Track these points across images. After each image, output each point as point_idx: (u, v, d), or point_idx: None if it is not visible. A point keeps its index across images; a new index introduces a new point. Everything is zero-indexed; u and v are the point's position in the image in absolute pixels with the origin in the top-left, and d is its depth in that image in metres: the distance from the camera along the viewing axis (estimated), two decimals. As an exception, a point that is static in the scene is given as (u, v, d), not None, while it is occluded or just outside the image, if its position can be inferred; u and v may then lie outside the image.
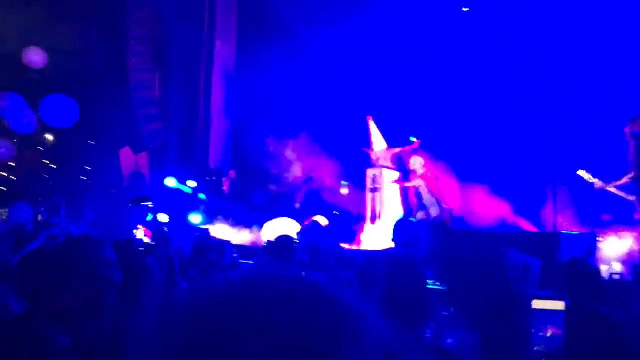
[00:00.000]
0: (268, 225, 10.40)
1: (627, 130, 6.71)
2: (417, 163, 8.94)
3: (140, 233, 9.86)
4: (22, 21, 12.41)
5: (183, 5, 12.94)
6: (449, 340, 4.11)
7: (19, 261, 2.84)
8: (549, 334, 3.63)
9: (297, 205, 10.80)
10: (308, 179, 11.16)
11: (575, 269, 3.42)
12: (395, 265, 1.76)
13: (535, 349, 3.47)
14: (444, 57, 9.44)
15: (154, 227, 8.59)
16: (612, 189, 6.73)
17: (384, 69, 10.36)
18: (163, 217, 9.19)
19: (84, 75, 12.92)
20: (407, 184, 9.14)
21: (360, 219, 9.76)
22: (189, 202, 11.09)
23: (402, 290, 1.72)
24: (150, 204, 10.14)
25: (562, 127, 8.03)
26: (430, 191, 8.56)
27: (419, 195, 8.92)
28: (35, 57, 12.32)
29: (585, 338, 2.93)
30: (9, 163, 14.24)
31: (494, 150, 8.74)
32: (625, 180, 6.67)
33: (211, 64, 13.19)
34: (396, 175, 9.48)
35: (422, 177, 8.81)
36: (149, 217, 9.92)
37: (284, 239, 4.71)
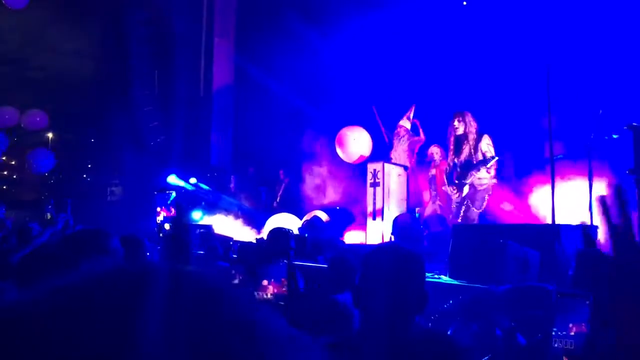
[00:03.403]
0: (270, 221, 10.45)
1: None
2: (435, 153, 9.17)
3: (160, 217, 10.36)
4: (24, 22, 12.45)
5: (181, 2, 12.95)
6: (450, 331, 4.15)
7: (22, 258, 2.87)
8: (572, 333, 3.55)
9: (276, 203, 10.93)
10: (285, 174, 11.32)
11: (589, 261, 3.38)
12: (397, 257, 1.78)
13: (556, 345, 3.42)
14: (448, 50, 9.41)
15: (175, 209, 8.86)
16: None
17: (385, 62, 10.37)
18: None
19: (84, 74, 12.95)
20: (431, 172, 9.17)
21: (361, 214, 9.80)
22: (191, 199, 11.15)
23: (403, 284, 1.74)
24: (174, 193, 10.68)
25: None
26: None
27: (434, 184, 9.14)
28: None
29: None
30: (12, 162, 14.29)
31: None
32: None
33: (211, 60, 13.21)
34: (400, 170, 9.52)
35: (439, 167, 8.96)
36: (172, 198, 10.37)
37: (277, 231, 4.77)
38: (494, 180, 7.25)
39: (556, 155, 6.55)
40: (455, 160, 7.26)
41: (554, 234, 5.44)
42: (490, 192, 7.29)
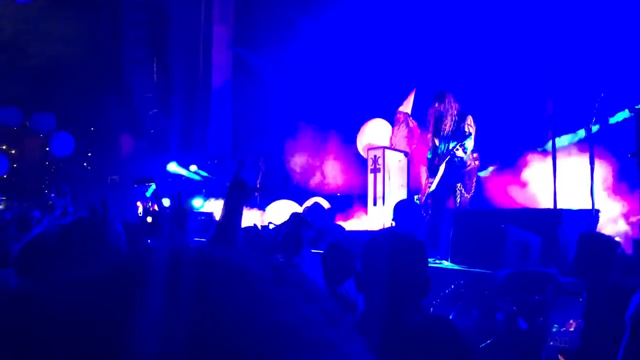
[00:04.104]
0: (270, 207, 10.45)
1: None
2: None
3: (139, 210, 10.06)
4: (20, 10, 12.36)
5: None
6: (451, 315, 4.16)
7: (22, 246, 2.86)
8: (571, 329, 3.51)
9: (257, 191, 10.71)
10: (260, 156, 10.88)
11: (591, 243, 3.36)
12: (398, 243, 1.77)
13: (551, 343, 3.40)
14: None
15: (155, 202, 8.70)
16: None
17: (384, 49, 10.31)
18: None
19: (82, 62, 12.89)
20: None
21: (362, 200, 9.80)
22: (191, 186, 11.14)
23: (405, 269, 1.73)
24: (153, 184, 10.38)
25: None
26: None
27: None
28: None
29: (608, 313, 2.88)
30: (12, 152, 14.28)
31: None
32: None
33: (209, 46, 13.14)
34: (400, 155, 9.50)
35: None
36: (149, 192, 10.11)
37: (296, 216, 4.72)
38: (477, 162, 7.02)
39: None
40: (435, 140, 6.99)
41: (555, 218, 5.44)
42: (476, 176, 7.10)
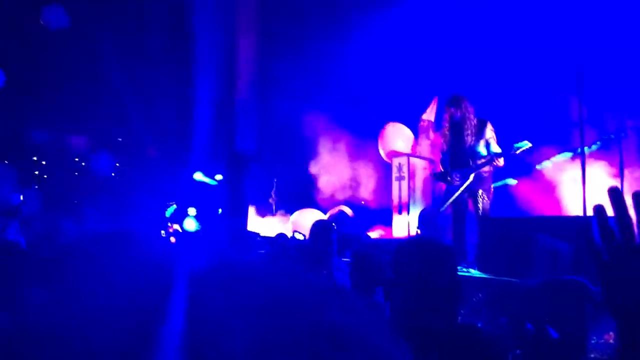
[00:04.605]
0: (295, 216, 10.47)
1: None
2: None
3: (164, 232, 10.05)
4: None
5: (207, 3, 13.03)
6: (480, 323, 4.10)
7: (53, 255, 2.90)
8: (611, 340, 3.41)
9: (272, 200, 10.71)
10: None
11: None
12: (428, 250, 1.75)
13: (592, 356, 3.30)
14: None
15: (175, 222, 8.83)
16: None
17: (407, 58, 10.29)
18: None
19: (106, 73, 13.13)
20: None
21: (387, 208, 9.75)
22: (217, 196, 11.20)
23: (436, 276, 1.71)
24: (174, 205, 10.39)
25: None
26: None
27: None
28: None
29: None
30: (42, 162, 14.57)
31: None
32: None
33: (234, 58, 13.26)
34: (424, 163, 9.45)
35: None
36: (168, 213, 10.12)
37: (322, 224, 4.67)
38: (492, 168, 6.75)
39: (603, 137, 6.29)
40: (453, 148, 6.65)
41: (586, 225, 5.33)
42: (492, 181, 6.84)
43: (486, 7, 9.16)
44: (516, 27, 8.61)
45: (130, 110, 12.84)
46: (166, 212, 10.32)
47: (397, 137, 10.42)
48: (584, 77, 6.40)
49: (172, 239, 9.13)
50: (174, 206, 10.28)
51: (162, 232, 9.92)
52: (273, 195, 10.80)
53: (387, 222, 9.74)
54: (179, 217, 9.57)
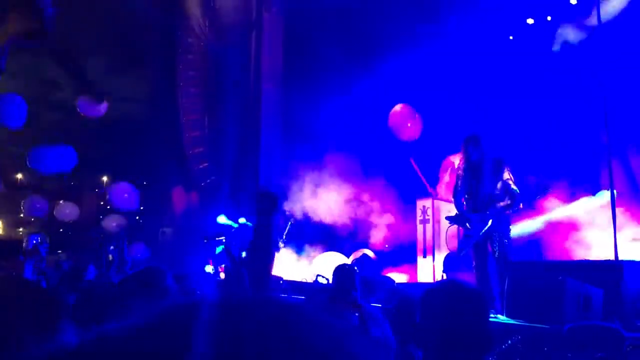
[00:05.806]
0: (318, 259, 10.39)
1: None
2: None
3: (209, 268, 10.15)
4: (80, 71, 13.07)
5: (230, 47, 13.36)
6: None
7: (78, 297, 2.91)
8: None
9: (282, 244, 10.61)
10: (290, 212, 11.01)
11: None
12: (458, 295, 1.71)
13: None
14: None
15: (225, 262, 8.81)
16: None
17: (430, 97, 10.36)
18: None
19: (136, 119, 13.43)
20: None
21: (411, 252, 9.62)
22: (242, 239, 11.18)
23: (465, 322, 1.66)
24: (223, 239, 10.48)
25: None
26: None
27: None
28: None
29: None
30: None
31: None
32: None
33: (259, 103, 13.48)
34: (450, 206, 9.36)
35: None
36: (218, 250, 10.17)
37: (345, 268, 4.60)
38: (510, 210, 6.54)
39: None
40: (469, 189, 6.41)
41: (617, 270, 5.18)
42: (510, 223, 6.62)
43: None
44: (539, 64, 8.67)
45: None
46: (215, 250, 10.40)
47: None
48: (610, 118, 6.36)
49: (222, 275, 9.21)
50: (223, 243, 10.35)
51: (209, 268, 10.03)
52: (284, 237, 10.75)
53: (405, 263, 9.63)
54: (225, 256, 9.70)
